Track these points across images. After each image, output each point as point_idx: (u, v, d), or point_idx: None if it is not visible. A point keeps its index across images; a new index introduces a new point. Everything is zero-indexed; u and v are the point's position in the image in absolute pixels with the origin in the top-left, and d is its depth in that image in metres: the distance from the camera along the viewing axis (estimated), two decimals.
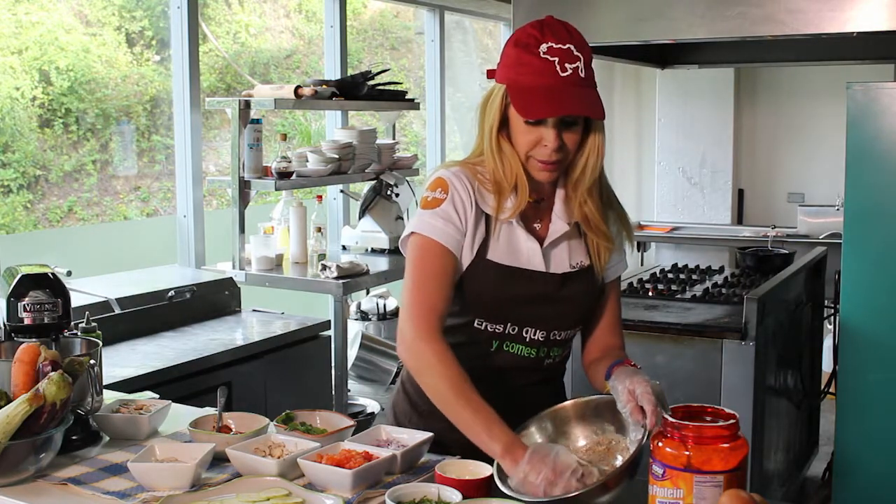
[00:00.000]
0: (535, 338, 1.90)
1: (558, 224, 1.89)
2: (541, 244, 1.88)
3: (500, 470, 1.64)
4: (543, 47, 1.74)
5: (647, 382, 1.69)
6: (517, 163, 1.82)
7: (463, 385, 1.74)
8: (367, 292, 5.01)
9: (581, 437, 1.79)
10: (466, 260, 1.85)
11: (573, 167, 1.84)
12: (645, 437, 1.63)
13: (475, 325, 1.88)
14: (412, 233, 1.85)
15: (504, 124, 1.83)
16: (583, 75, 1.75)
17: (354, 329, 4.87)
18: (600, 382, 1.85)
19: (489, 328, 1.88)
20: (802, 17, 3.22)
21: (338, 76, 4.81)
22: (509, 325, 1.88)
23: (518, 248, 1.87)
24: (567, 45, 1.74)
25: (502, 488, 1.59)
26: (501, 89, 1.81)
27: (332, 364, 3.89)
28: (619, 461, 1.71)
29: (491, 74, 1.85)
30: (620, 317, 2.04)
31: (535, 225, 1.90)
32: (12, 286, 1.93)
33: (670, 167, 6.53)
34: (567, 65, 1.74)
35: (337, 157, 4.26)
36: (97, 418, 1.95)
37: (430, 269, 1.83)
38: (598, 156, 1.83)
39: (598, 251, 1.91)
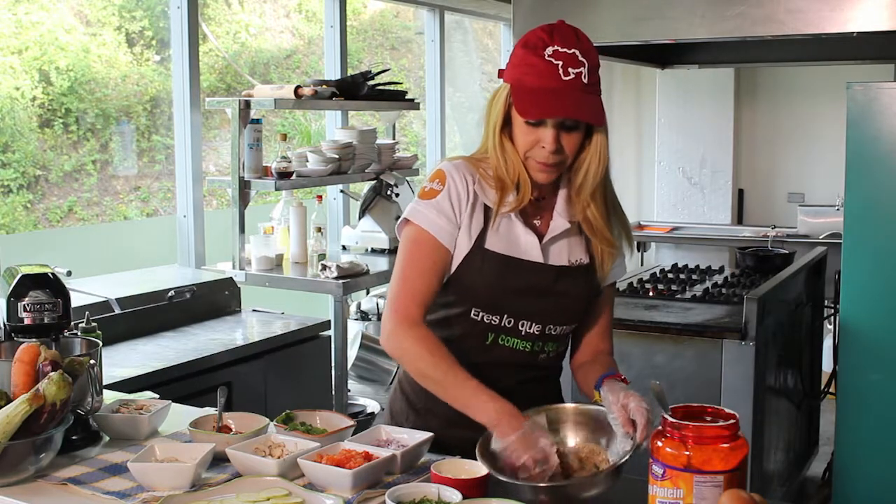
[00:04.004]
0: (531, 331, 1.91)
1: (559, 221, 1.90)
2: (540, 240, 1.89)
3: (481, 445, 1.68)
4: (549, 50, 1.76)
5: (641, 398, 1.73)
6: (519, 161, 1.84)
7: (446, 363, 1.79)
8: (367, 292, 5.00)
9: (570, 439, 1.81)
10: (464, 248, 1.86)
11: (576, 172, 1.86)
12: (632, 450, 1.67)
13: (471, 315, 1.89)
14: (406, 220, 1.88)
15: (507, 123, 1.85)
16: (585, 81, 1.77)
17: (354, 329, 4.86)
18: (588, 388, 1.90)
19: (485, 319, 1.89)
20: (802, 17, 3.22)
21: (338, 76, 4.81)
22: (505, 316, 1.89)
23: (517, 240, 1.88)
24: (573, 50, 1.76)
25: (480, 462, 1.63)
26: (507, 88, 1.83)
27: (332, 364, 3.89)
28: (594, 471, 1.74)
29: (501, 73, 1.88)
30: (612, 322, 2.06)
31: (535, 221, 1.91)
32: (12, 286, 1.93)
33: (670, 167, 6.53)
34: (570, 69, 1.75)
35: (337, 157, 4.26)
36: (97, 418, 1.95)
37: (417, 261, 1.86)
38: (599, 161, 1.84)
39: (602, 255, 1.93)
